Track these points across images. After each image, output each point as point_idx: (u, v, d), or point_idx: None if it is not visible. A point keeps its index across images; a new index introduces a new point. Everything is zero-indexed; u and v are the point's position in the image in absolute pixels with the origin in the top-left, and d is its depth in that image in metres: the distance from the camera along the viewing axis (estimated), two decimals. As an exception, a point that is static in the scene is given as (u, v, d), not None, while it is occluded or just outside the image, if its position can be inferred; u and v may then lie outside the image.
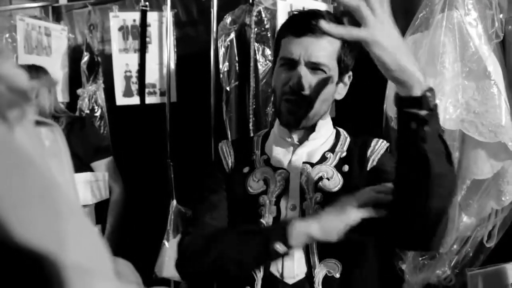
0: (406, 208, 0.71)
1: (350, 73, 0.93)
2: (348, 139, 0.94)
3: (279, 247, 0.74)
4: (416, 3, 1.31)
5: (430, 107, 0.63)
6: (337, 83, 0.89)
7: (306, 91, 0.84)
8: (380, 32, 0.62)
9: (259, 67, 1.41)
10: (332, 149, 0.91)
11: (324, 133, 0.92)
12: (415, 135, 0.64)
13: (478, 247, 1.24)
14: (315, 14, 0.85)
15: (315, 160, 0.89)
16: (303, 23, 0.84)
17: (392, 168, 0.76)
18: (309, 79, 0.84)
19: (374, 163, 0.88)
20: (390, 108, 1.29)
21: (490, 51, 1.17)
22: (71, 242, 0.24)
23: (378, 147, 0.90)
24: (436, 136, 0.65)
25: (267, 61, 1.42)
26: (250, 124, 1.43)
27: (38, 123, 0.34)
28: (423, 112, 0.63)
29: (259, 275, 0.83)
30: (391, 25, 0.64)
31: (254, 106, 1.43)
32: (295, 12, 0.92)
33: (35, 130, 0.30)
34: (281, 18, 1.36)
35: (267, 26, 1.40)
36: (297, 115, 0.87)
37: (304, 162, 0.89)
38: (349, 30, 0.63)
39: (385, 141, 0.92)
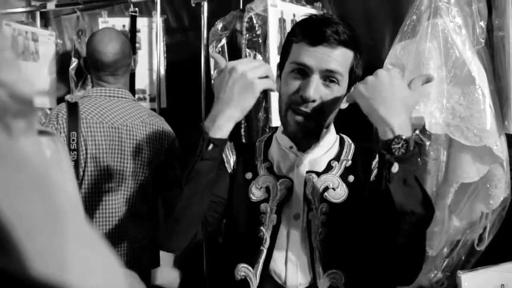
0: (378, 240, 0.76)
1: None
2: (353, 146, 0.92)
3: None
4: (404, 11, 1.35)
5: (395, 153, 0.69)
6: (345, 94, 0.86)
7: (318, 102, 0.82)
8: (366, 87, 0.74)
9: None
10: (337, 158, 0.89)
11: (328, 141, 0.90)
12: (382, 173, 0.72)
13: (469, 250, 1.26)
14: (329, 22, 0.82)
15: (320, 169, 0.87)
16: (318, 32, 0.81)
17: None
18: (322, 91, 0.82)
19: None
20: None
21: (474, 57, 1.21)
22: (75, 262, 0.22)
23: None
24: (408, 179, 0.71)
25: (258, 67, 1.43)
26: (242, 130, 1.43)
27: (39, 132, 0.32)
28: (388, 156, 0.70)
29: (255, 282, 0.82)
30: (385, 82, 0.73)
31: (245, 112, 1.43)
32: (305, 17, 0.88)
33: (38, 141, 0.29)
34: (272, 25, 1.37)
35: (258, 32, 1.41)
36: (306, 127, 0.83)
37: (308, 171, 0.87)
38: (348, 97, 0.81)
39: None
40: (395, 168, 0.69)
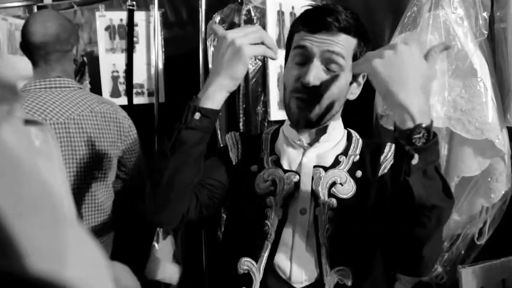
0: (395, 231, 0.72)
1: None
2: (361, 142, 0.90)
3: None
4: (404, 2, 1.33)
5: (416, 144, 0.63)
6: (351, 83, 0.84)
7: (319, 88, 0.80)
8: (384, 63, 0.66)
9: (249, 66, 1.40)
10: (345, 152, 0.87)
11: (336, 135, 0.88)
12: (401, 166, 0.64)
13: (469, 244, 1.25)
14: (330, 11, 0.80)
15: (328, 163, 0.85)
16: (318, 19, 0.79)
17: None
18: (322, 75, 0.80)
19: (385, 170, 0.85)
20: (379, 106, 1.30)
21: (476, 49, 1.19)
22: (71, 256, 0.22)
23: (391, 155, 0.85)
24: (428, 169, 0.64)
25: (257, 60, 1.41)
26: (240, 124, 1.42)
27: (27, 122, 0.31)
28: (408, 147, 0.63)
29: (258, 277, 0.81)
30: (406, 60, 0.66)
31: (244, 106, 1.42)
32: (309, 7, 0.86)
33: (24, 130, 0.28)
34: (271, 17, 1.36)
35: (256, 25, 1.39)
36: (307, 113, 0.81)
37: (316, 166, 0.85)
38: (355, 65, 0.77)
39: None
40: (415, 160, 0.62)
